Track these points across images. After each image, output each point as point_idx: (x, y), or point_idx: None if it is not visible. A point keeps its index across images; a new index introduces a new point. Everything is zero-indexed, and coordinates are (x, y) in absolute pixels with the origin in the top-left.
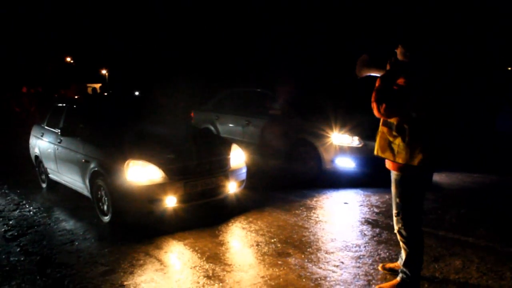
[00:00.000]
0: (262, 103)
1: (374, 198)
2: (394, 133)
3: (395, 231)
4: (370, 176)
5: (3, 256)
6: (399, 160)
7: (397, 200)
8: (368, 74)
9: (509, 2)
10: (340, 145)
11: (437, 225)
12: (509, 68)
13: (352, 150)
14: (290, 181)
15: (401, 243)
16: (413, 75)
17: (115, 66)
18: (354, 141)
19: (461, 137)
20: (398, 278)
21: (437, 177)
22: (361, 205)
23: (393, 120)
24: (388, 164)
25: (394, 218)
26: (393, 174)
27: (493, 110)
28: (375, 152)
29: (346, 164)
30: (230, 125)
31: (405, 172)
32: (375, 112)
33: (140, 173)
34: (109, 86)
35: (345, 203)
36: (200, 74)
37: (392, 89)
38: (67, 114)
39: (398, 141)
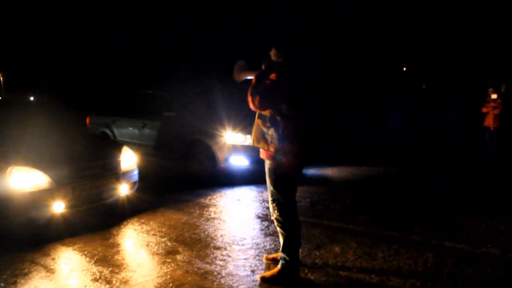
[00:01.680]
0: (157, 105)
1: (267, 194)
2: (268, 124)
3: (272, 218)
4: (263, 173)
5: None
6: (272, 149)
7: (271, 188)
8: (246, 77)
9: None
10: (234, 144)
11: (323, 215)
12: (404, 69)
13: (246, 148)
14: (186, 181)
15: (278, 229)
16: (283, 71)
17: (10, 69)
18: (247, 139)
19: (353, 133)
20: (279, 266)
21: (328, 171)
22: (253, 201)
23: (266, 113)
24: (262, 153)
25: (270, 206)
26: (267, 164)
27: (385, 109)
28: (251, 143)
29: (240, 162)
30: (127, 128)
31: (277, 160)
32: (250, 105)
33: (24, 180)
34: (4, 91)
35: (238, 200)
36: (95, 78)
37: (265, 84)
38: None
39: (271, 131)
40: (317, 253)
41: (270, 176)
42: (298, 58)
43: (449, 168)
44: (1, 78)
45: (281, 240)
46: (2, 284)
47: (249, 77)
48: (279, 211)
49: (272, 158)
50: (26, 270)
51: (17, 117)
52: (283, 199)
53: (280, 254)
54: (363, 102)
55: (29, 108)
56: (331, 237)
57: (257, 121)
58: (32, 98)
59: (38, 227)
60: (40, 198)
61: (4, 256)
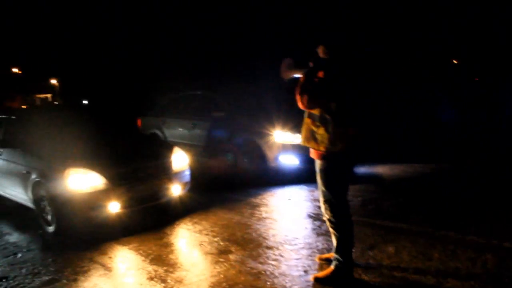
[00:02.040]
0: (206, 106)
1: (317, 193)
2: (317, 123)
3: (325, 219)
4: (313, 172)
5: None
6: (322, 149)
7: (323, 188)
8: (294, 75)
9: None
10: (283, 143)
11: (375, 214)
12: (454, 62)
13: (295, 147)
14: (236, 181)
15: (331, 230)
16: (331, 68)
17: (66, 75)
18: (296, 138)
19: (403, 130)
20: (332, 266)
21: (380, 169)
22: (304, 200)
23: (315, 112)
24: (313, 153)
25: (322, 207)
26: (318, 164)
27: (434, 102)
28: (302, 142)
29: (290, 161)
30: (177, 128)
31: (328, 160)
32: (299, 104)
33: (81, 181)
34: (60, 96)
35: (288, 199)
36: (147, 81)
37: (313, 82)
38: (6, 126)
39: (321, 130)
40: (371, 253)
41: (321, 177)
42: (346, 55)
43: (507, 165)
44: (57, 84)
45: (334, 241)
46: (64, 281)
47: (296, 75)
48: (331, 211)
49: (323, 157)
50: (85, 268)
51: (73, 120)
52: (335, 200)
53: (333, 255)
54: (413, 97)
55: (84, 111)
56: (384, 236)
57: (307, 120)
58: (85, 102)
59: (95, 226)
60: (97, 198)
61: (65, 254)
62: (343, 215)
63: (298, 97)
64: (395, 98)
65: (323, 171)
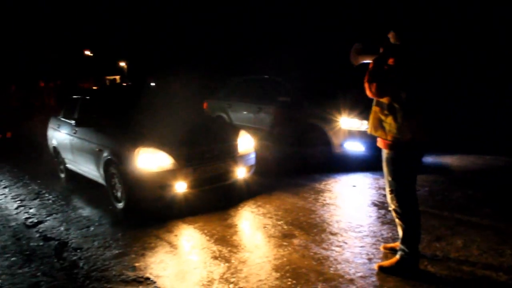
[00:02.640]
0: (272, 90)
1: (383, 181)
2: (386, 112)
3: (391, 209)
4: (379, 160)
5: (24, 242)
6: (389, 138)
7: (389, 178)
8: (363, 61)
9: None
10: (349, 129)
11: (443, 206)
12: None
13: (361, 134)
14: (300, 166)
15: (397, 221)
16: (402, 55)
17: (133, 58)
18: (363, 125)
19: (474, 120)
20: (398, 256)
21: (448, 160)
22: (369, 188)
23: (384, 100)
24: (380, 142)
25: (388, 196)
26: (384, 153)
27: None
28: (369, 131)
29: (356, 148)
30: (242, 112)
31: (396, 150)
32: (367, 92)
33: (150, 160)
34: (128, 78)
35: (353, 186)
36: (212, 65)
37: (383, 69)
38: (81, 106)
39: (389, 119)
40: (437, 245)
41: (388, 166)
42: (417, 42)
43: None
44: (125, 66)
45: (400, 232)
46: (133, 255)
47: (366, 61)
48: (397, 202)
49: (390, 147)
50: (152, 244)
51: (141, 101)
52: (402, 190)
53: (398, 245)
54: (484, 86)
55: (152, 93)
56: (452, 228)
57: (375, 108)
58: (153, 84)
59: (162, 205)
60: (165, 178)
61: (133, 230)
62: (410, 206)
63: (366, 85)
64: (467, 86)
65: (390, 160)
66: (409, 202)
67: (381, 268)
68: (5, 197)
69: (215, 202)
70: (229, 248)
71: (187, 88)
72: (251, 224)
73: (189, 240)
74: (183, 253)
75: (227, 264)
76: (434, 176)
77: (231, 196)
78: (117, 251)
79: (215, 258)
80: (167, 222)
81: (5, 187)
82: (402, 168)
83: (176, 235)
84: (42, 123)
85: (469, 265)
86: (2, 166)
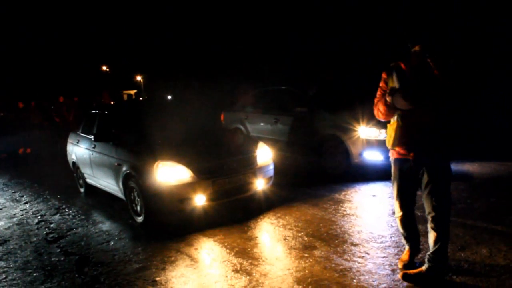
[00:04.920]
0: (289, 101)
1: None
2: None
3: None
4: None
5: (45, 257)
6: (388, 146)
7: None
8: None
9: None
10: (368, 139)
11: (466, 214)
12: None
13: (380, 143)
14: (319, 176)
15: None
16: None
17: (150, 72)
18: (381, 134)
19: (495, 127)
20: (423, 266)
21: (469, 167)
22: (389, 197)
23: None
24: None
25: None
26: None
27: None
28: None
29: (375, 157)
30: (259, 123)
31: (391, 157)
32: (376, 115)
33: (169, 174)
34: (145, 92)
35: (373, 195)
36: (229, 77)
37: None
38: (99, 121)
39: (388, 130)
40: (462, 255)
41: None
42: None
43: None
44: (141, 81)
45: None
46: (153, 269)
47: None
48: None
49: (390, 154)
50: (172, 258)
51: (159, 115)
52: (396, 195)
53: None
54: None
55: (169, 106)
56: (476, 237)
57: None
58: (169, 97)
59: (183, 218)
60: (184, 191)
61: (153, 244)
62: (403, 212)
63: (375, 111)
64: (488, 92)
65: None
66: (402, 207)
67: (405, 276)
68: (26, 212)
69: (234, 214)
70: (250, 261)
71: (204, 100)
72: (272, 236)
73: (210, 253)
74: (203, 267)
75: (248, 277)
76: (455, 184)
77: (250, 208)
78: (137, 265)
79: (236, 271)
80: (187, 236)
81: (26, 203)
82: (395, 174)
83: (196, 249)
84: (62, 138)
85: (495, 275)
86: (23, 181)
